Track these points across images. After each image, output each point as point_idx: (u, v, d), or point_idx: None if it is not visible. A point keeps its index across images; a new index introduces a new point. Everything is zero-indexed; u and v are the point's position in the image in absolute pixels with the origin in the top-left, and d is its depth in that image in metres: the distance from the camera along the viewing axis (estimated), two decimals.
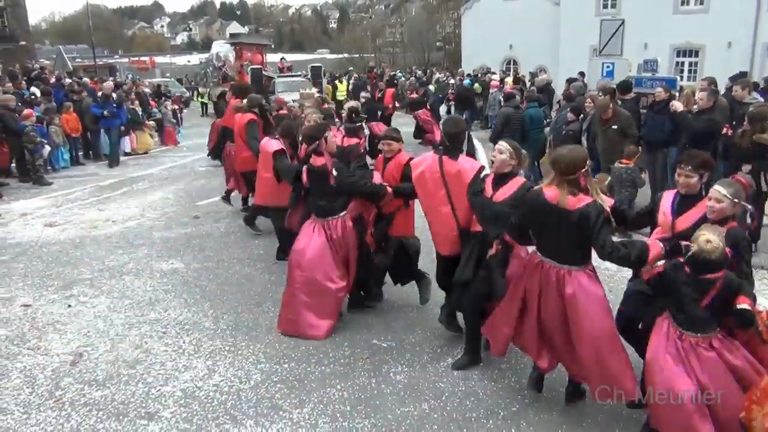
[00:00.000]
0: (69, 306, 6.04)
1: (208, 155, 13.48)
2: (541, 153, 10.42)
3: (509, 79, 19.48)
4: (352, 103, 9.16)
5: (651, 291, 3.69)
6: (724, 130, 7.11)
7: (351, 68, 35.57)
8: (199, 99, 28.26)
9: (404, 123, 15.88)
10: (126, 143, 15.91)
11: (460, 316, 4.96)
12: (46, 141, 12.35)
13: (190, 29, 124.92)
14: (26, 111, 12.08)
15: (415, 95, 18.36)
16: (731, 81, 9.91)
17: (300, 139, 6.29)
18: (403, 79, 25.78)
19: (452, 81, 21.78)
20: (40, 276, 6.90)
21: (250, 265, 7.08)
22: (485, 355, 4.85)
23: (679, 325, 3.44)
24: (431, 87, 21.68)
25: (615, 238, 3.74)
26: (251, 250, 7.60)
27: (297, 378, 4.59)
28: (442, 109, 18.10)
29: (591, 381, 3.87)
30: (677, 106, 7.77)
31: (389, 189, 5.21)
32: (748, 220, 4.19)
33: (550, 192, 3.75)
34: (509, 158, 4.36)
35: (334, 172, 5.21)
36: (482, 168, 4.67)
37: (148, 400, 4.34)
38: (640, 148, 8.12)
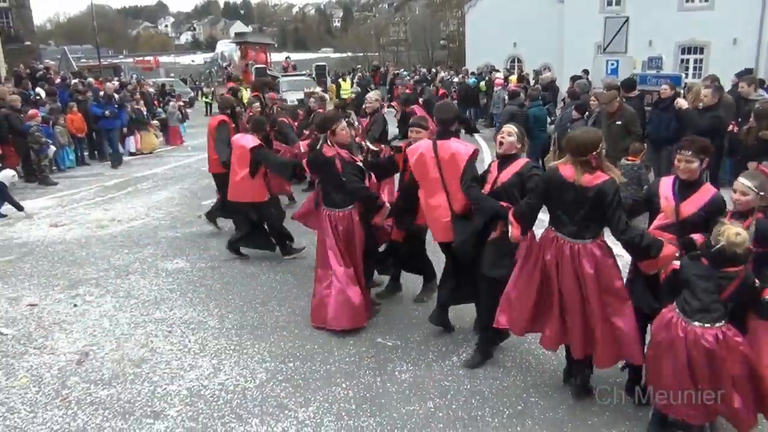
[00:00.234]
0: (75, 305, 6.06)
1: None
2: (545, 151, 10.41)
3: (513, 77, 19.46)
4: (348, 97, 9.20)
5: (665, 288, 3.66)
6: (730, 127, 7.09)
7: (359, 66, 35.45)
8: (204, 99, 28.32)
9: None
10: (131, 143, 15.96)
11: (459, 316, 4.96)
12: (51, 141, 12.40)
13: (194, 29, 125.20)
14: (31, 111, 12.13)
15: (408, 91, 18.28)
16: (737, 78, 9.87)
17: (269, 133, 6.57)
18: (407, 77, 25.77)
19: (455, 79, 21.75)
20: (46, 276, 6.93)
21: (255, 264, 7.09)
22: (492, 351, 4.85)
23: (687, 314, 3.37)
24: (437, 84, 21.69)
25: None
26: (256, 250, 7.60)
27: (302, 377, 4.60)
28: None
29: (596, 348, 3.90)
30: (682, 103, 7.74)
31: (386, 204, 5.34)
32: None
33: (566, 170, 3.81)
34: (516, 141, 4.48)
35: (340, 167, 5.21)
36: (477, 151, 4.71)
37: (154, 398, 4.35)
38: (645, 144, 8.10)
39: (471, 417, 4.04)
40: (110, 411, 4.19)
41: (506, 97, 12.68)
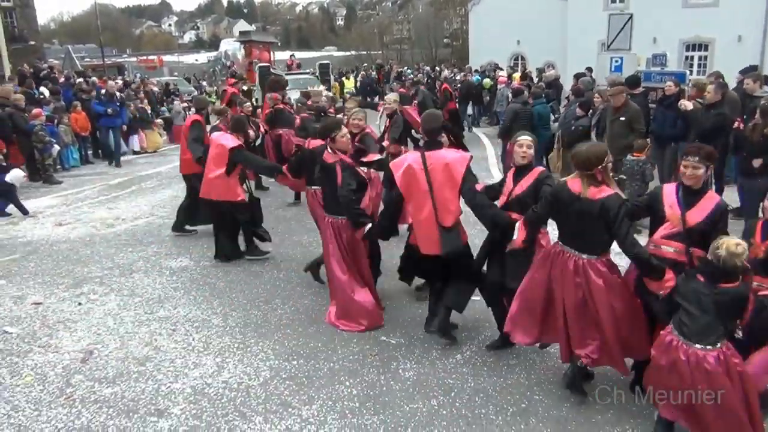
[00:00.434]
0: (79, 304, 6.08)
1: None
2: (548, 149, 10.39)
3: (516, 75, 19.41)
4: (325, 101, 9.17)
5: (663, 308, 3.62)
6: (736, 124, 7.05)
7: (365, 64, 35.38)
8: (207, 98, 28.32)
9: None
10: (135, 142, 15.99)
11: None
12: (55, 140, 12.42)
13: (198, 28, 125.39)
14: (35, 110, 12.15)
15: (403, 90, 18.20)
16: (742, 75, 9.82)
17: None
18: (411, 76, 25.74)
19: (458, 77, 21.72)
20: (51, 274, 6.95)
21: (259, 263, 7.09)
22: (493, 352, 4.85)
23: (686, 337, 3.35)
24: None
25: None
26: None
27: (306, 375, 4.60)
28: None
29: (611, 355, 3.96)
30: (686, 105, 7.72)
31: (368, 224, 5.09)
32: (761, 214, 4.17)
33: (574, 184, 3.85)
34: (534, 151, 4.55)
35: (341, 176, 5.14)
36: (471, 158, 4.70)
37: (158, 397, 4.36)
38: (648, 140, 8.08)
39: (475, 415, 4.04)
40: (114, 409, 4.20)
41: (509, 95, 12.64)
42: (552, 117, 11.04)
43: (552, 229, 4.38)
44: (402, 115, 7.58)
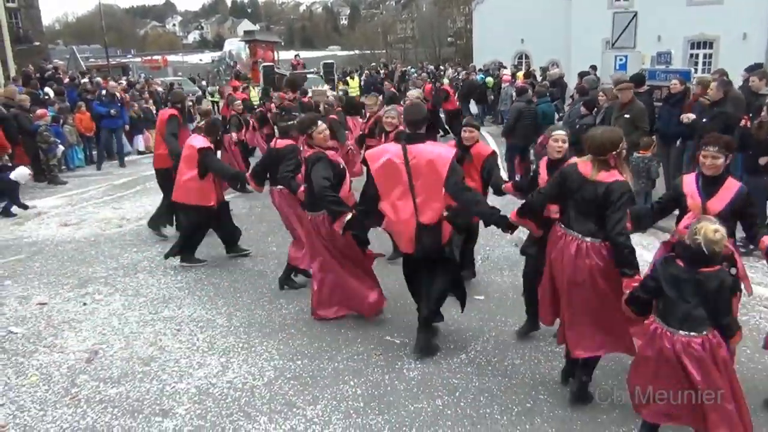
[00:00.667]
0: (84, 304, 6.09)
1: None
2: None
3: (520, 74, 19.37)
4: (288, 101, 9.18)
5: (632, 304, 3.55)
6: (743, 122, 7.01)
7: (373, 64, 35.31)
8: (210, 98, 28.33)
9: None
10: (139, 142, 16.02)
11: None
12: (60, 141, 12.45)
13: (202, 28, 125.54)
14: (40, 111, 12.18)
15: (393, 89, 18.18)
16: (747, 72, 9.76)
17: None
18: (414, 75, 25.71)
19: (460, 76, 21.70)
20: (56, 274, 6.96)
21: (263, 262, 7.09)
22: (498, 351, 4.84)
23: (670, 324, 3.28)
24: (445, 81, 21.64)
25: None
26: (264, 247, 7.62)
27: (310, 374, 4.60)
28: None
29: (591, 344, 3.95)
30: (689, 117, 7.72)
31: (348, 214, 4.79)
32: None
33: (584, 166, 3.83)
34: (568, 145, 4.58)
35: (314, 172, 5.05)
36: (458, 152, 4.59)
37: (163, 397, 4.36)
38: (654, 138, 8.07)
39: (479, 414, 4.03)
40: (119, 409, 4.21)
41: (514, 94, 12.61)
42: (556, 116, 11.01)
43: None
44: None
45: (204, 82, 32.13)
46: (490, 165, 5.54)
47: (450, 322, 5.22)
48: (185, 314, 5.78)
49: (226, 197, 9.80)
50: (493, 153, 5.73)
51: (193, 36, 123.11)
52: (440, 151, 4.45)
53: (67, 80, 18.18)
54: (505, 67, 22.39)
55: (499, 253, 7.14)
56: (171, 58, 60.92)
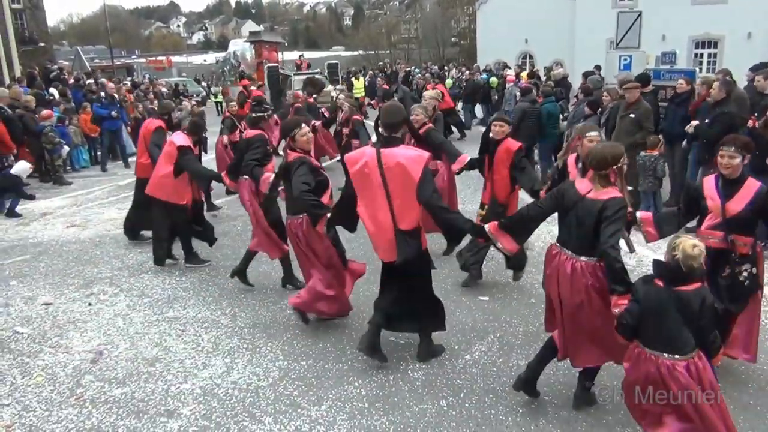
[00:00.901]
0: (89, 304, 6.10)
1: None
2: (557, 148, 10.34)
3: (524, 74, 19.35)
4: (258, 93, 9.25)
5: (621, 327, 3.42)
6: (750, 123, 6.98)
7: (380, 63, 35.27)
8: (214, 98, 28.39)
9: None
10: None
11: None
12: (65, 141, 12.48)
13: (206, 28, 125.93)
14: (45, 112, 12.20)
15: (385, 86, 18.22)
16: (752, 72, 9.73)
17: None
18: (419, 75, 25.69)
19: (464, 76, 21.67)
20: (61, 275, 6.98)
21: (267, 263, 7.08)
22: (503, 352, 4.83)
23: (655, 348, 3.21)
24: (449, 81, 21.62)
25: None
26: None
27: (315, 375, 4.60)
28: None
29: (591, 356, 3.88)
30: (693, 124, 7.70)
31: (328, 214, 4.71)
32: None
33: (582, 183, 3.78)
34: None
35: (295, 173, 4.90)
36: (430, 157, 4.35)
37: (168, 397, 4.37)
38: (660, 137, 8.06)
39: (484, 415, 4.03)
40: (124, 409, 4.22)
41: (518, 94, 12.59)
42: (561, 116, 10.99)
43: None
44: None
45: (205, 83, 32.21)
46: (519, 159, 5.51)
47: (454, 323, 5.21)
48: (190, 315, 5.79)
49: (227, 198, 9.97)
50: (521, 147, 5.66)
51: (198, 37, 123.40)
52: (411, 155, 4.25)
53: (72, 81, 18.21)
54: (509, 68, 22.37)
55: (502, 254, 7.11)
56: (175, 58, 61.05)
